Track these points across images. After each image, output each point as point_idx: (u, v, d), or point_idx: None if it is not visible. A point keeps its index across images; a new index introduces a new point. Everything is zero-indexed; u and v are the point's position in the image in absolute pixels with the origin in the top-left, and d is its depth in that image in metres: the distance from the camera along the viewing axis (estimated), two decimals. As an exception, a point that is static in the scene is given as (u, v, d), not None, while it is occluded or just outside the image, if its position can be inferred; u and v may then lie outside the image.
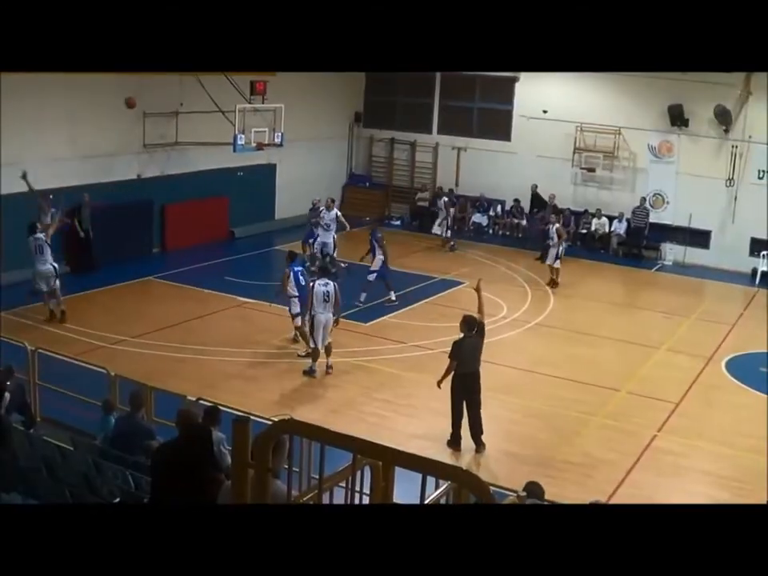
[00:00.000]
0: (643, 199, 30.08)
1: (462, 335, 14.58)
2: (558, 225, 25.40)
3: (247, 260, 25.20)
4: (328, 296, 17.14)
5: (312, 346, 17.32)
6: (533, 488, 9.50)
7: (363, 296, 21.94)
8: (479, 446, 14.45)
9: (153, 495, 7.18)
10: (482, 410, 14.49)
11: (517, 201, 31.81)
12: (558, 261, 25.35)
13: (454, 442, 14.49)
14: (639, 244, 30.25)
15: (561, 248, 25.20)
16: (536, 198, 31.00)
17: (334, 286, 17.32)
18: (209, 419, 10.38)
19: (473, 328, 14.53)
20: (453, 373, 14.38)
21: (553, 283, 25.26)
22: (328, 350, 17.61)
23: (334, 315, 17.41)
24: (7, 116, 20.73)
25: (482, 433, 14.46)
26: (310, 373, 17.37)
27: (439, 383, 14.58)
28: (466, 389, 14.38)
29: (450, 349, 14.44)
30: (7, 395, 10.96)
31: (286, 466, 5.49)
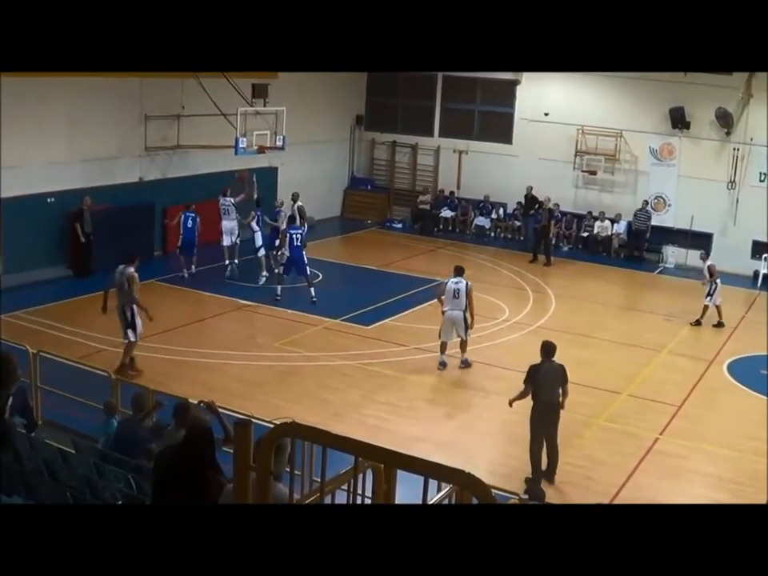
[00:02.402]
0: (645, 202, 30.09)
1: (540, 360, 13.73)
2: (710, 262, 23.29)
3: (249, 263, 25.16)
4: (458, 293, 17.85)
5: (442, 339, 18.27)
6: (534, 490, 9.51)
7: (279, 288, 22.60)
8: (550, 479, 13.60)
9: (154, 498, 7.18)
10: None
11: (520, 203, 31.79)
12: (710, 298, 22.69)
13: (535, 483, 13.01)
14: (641, 247, 30.26)
15: (714, 285, 22.71)
16: (531, 200, 30.98)
17: (466, 284, 18.00)
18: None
19: (551, 353, 13.67)
20: (533, 402, 13.49)
21: (719, 324, 22.61)
22: (463, 346, 18.33)
23: (465, 313, 18.03)
24: (8, 119, 20.73)
25: (556, 466, 13.68)
26: (441, 366, 18.25)
27: (511, 401, 13.83)
28: (545, 420, 13.45)
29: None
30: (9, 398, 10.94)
31: (288, 469, 5.49)
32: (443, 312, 18.11)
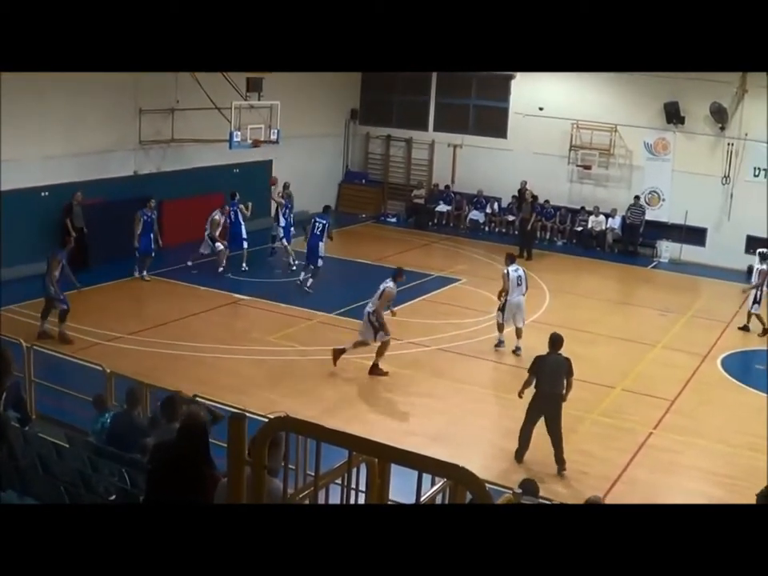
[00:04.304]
0: (637, 197, 30.13)
1: (546, 351, 14.05)
2: (764, 266, 21.82)
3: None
4: (521, 280, 19.02)
5: (502, 322, 19.22)
6: (528, 485, 9.51)
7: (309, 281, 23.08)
8: (561, 466, 13.76)
9: (148, 492, 7.17)
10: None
11: (515, 197, 31.86)
12: (758, 306, 21.51)
13: (518, 456, 14.02)
14: (635, 241, 30.30)
15: (760, 291, 21.59)
16: (522, 195, 31.19)
17: (524, 270, 19.28)
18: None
19: (557, 346, 14.00)
20: (534, 391, 13.80)
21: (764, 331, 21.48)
22: (519, 334, 19.17)
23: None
24: (4, 113, 20.72)
25: (562, 454, 13.77)
26: (499, 345, 19.26)
27: (520, 393, 14.06)
28: (543, 410, 13.72)
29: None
30: (3, 392, 10.92)
31: (283, 464, 5.48)
32: (507, 300, 18.93)
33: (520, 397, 14.06)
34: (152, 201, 23.77)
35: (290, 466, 5.49)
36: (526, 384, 13.94)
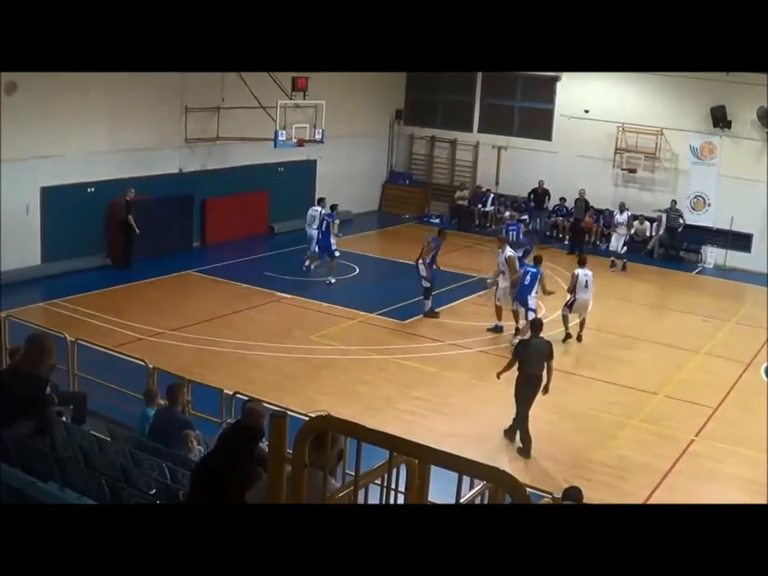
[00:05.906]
0: (674, 201, 29.83)
1: (528, 336, 15.35)
2: None
3: (286, 255, 25.27)
4: (587, 283, 20.25)
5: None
6: (572, 493, 9.39)
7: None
8: (526, 446, 14.53)
9: (189, 487, 7.21)
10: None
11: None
12: None
13: (512, 432, 14.78)
14: (678, 246, 30.02)
15: None
16: (542, 194, 31.27)
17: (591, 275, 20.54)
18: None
19: (537, 330, 14.99)
20: (519, 373, 14.56)
21: None
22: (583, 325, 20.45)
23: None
24: (50, 109, 21.00)
25: (523, 436, 14.55)
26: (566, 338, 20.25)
27: (498, 374, 15.03)
28: (526, 391, 14.50)
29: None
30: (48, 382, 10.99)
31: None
32: (575, 299, 20.21)
33: (498, 377, 14.99)
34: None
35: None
36: (507, 366, 14.85)
